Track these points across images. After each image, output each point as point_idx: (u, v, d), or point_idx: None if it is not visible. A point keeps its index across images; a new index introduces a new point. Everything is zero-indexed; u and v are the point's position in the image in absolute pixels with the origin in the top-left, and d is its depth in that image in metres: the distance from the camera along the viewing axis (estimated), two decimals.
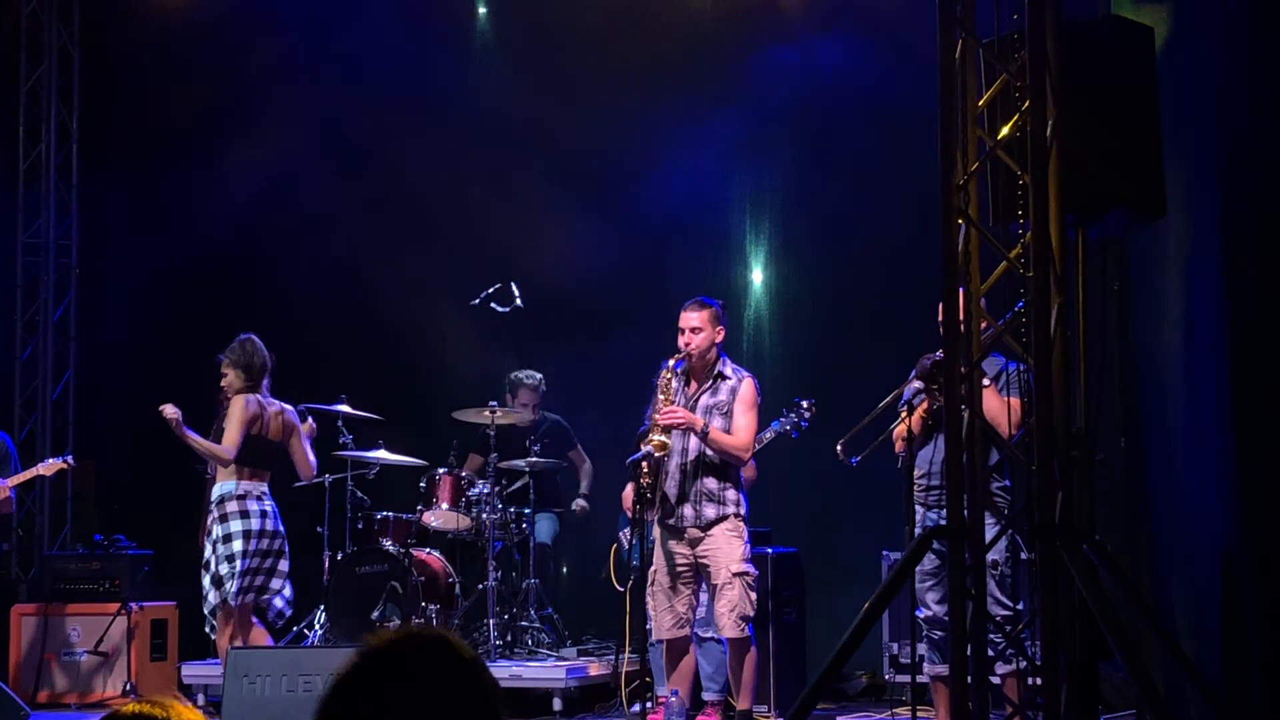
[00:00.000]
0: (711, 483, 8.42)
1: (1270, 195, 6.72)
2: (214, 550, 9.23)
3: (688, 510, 8.41)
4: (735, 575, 8.32)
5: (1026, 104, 6.01)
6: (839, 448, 8.33)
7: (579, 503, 11.47)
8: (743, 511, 8.44)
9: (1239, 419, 7.05)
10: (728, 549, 8.35)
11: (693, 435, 8.44)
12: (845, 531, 11.13)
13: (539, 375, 11.51)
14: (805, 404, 9.38)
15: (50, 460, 10.99)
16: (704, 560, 8.40)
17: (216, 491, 9.34)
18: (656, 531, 8.50)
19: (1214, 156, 7.34)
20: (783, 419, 9.44)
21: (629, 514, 9.86)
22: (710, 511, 8.39)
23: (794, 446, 9.74)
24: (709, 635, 9.05)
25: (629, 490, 9.72)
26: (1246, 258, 6.90)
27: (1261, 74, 6.82)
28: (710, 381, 8.54)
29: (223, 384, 9.43)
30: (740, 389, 8.54)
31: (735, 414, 8.49)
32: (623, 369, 10.89)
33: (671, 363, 8.53)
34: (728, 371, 8.59)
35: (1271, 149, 6.71)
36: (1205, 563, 7.59)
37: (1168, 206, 6.60)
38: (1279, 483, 6.72)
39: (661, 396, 8.46)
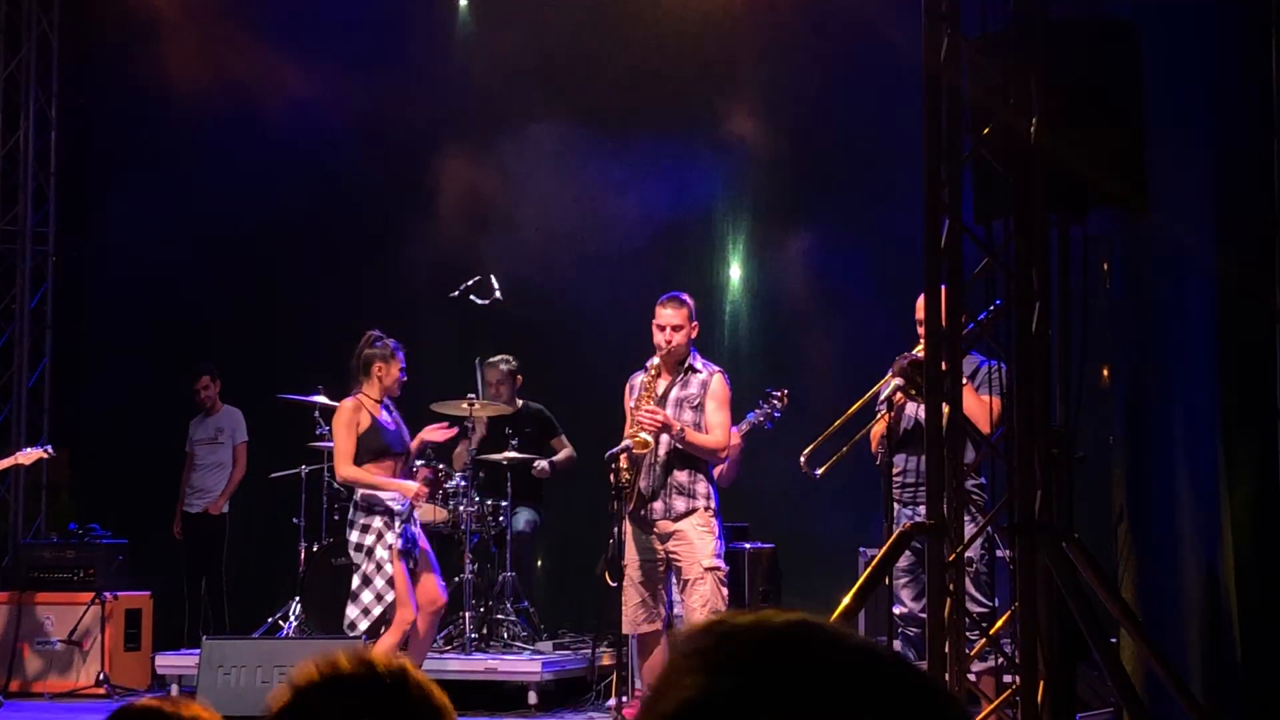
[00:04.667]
0: (682, 476, 8.40)
1: (1261, 198, 6.72)
2: (356, 555, 9.11)
3: (658, 504, 8.39)
4: (707, 570, 8.30)
5: (1011, 101, 6.01)
6: (802, 459, 8.32)
7: (541, 463, 11.27)
8: (713, 505, 8.42)
9: (1229, 422, 7.06)
10: (699, 544, 8.32)
11: (665, 432, 8.41)
12: (823, 527, 11.12)
13: (508, 358, 11.42)
14: (777, 394, 9.37)
15: (29, 449, 10.96)
16: (675, 556, 8.38)
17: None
18: (629, 526, 8.48)
19: (1207, 157, 7.35)
20: (757, 411, 9.43)
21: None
22: (680, 504, 8.37)
23: (772, 442, 9.73)
24: None
25: None
26: (1237, 260, 6.91)
27: (1253, 75, 6.83)
28: (681, 375, 8.53)
29: (388, 384, 9.27)
30: (712, 385, 8.51)
31: (709, 411, 8.45)
32: (601, 363, 10.87)
33: (656, 362, 8.50)
34: (698, 365, 8.57)
35: (1263, 151, 6.72)
36: (1191, 564, 7.61)
37: (1160, 206, 6.60)
38: (1266, 489, 6.73)
39: (644, 393, 8.44)
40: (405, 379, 9.37)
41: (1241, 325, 6.95)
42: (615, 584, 9.12)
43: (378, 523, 9.00)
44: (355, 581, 8.98)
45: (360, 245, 13.02)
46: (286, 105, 12.91)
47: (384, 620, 8.97)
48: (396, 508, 9.11)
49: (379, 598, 8.93)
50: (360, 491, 9.12)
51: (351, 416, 9.13)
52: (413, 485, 9.26)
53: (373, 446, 9.17)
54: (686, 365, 8.55)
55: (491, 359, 11.43)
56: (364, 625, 8.92)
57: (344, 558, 10.46)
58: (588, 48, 12.54)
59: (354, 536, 9.04)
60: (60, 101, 13.26)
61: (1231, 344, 7.10)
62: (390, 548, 8.97)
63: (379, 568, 8.96)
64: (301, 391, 11.14)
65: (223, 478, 12.44)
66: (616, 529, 8.48)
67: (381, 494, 9.07)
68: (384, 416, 9.24)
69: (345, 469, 9.14)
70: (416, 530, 9.25)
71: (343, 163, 13.08)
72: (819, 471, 8.32)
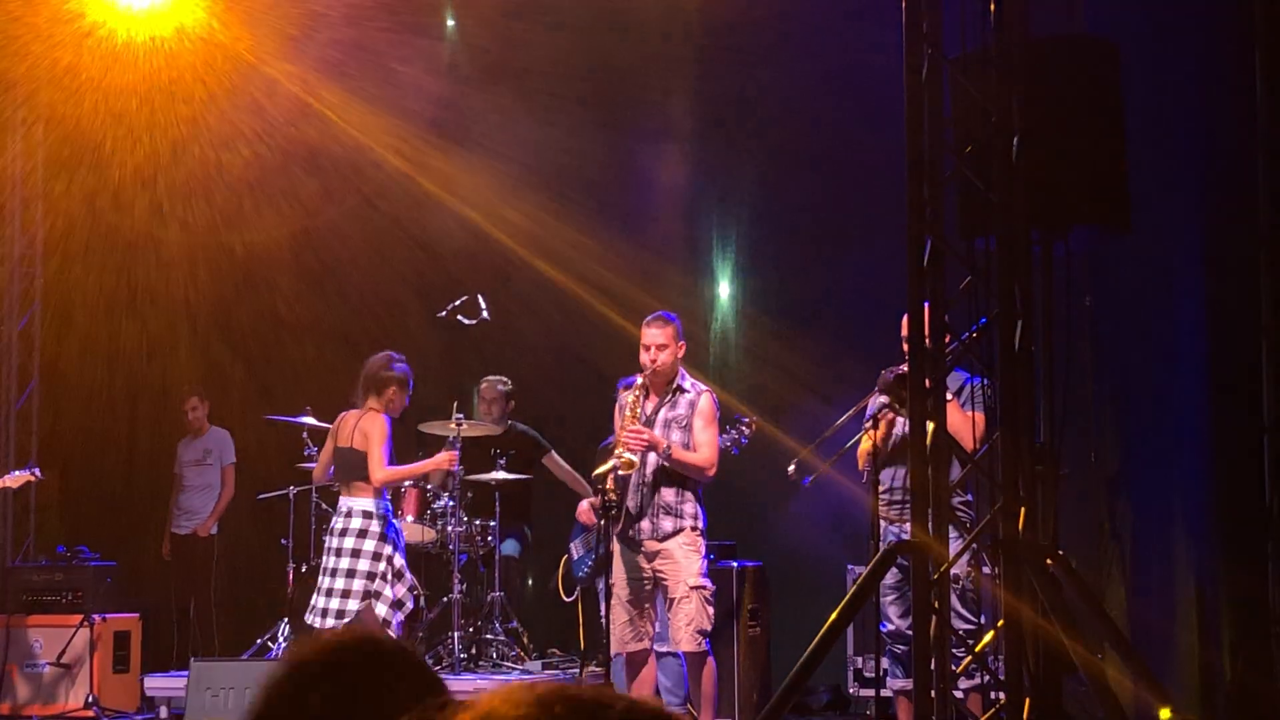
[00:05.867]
0: (669, 496, 8.40)
1: (1252, 220, 6.75)
2: (375, 564, 9.16)
3: (645, 523, 8.39)
4: (693, 589, 8.30)
5: (992, 120, 6.04)
6: (791, 468, 8.35)
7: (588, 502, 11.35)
8: (700, 525, 8.42)
9: (1217, 439, 7.08)
10: (685, 563, 8.33)
11: (652, 451, 8.41)
12: (811, 545, 11.13)
13: (503, 379, 11.44)
14: (745, 421, 9.38)
15: (16, 472, 10.92)
16: (661, 575, 8.39)
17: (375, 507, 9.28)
18: (616, 545, 8.49)
19: (1191, 175, 7.37)
20: (724, 435, 9.45)
21: (583, 525, 9.89)
22: (667, 524, 8.37)
23: (760, 460, 9.74)
24: (665, 649, 9.04)
25: (585, 504, 9.72)
26: (1224, 277, 6.93)
27: (1238, 93, 6.86)
28: (670, 396, 8.53)
29: (395, 410, 9.41)
30: (700, 404, 8.51)
31: (696, 429, 8.45)
32: (589, 381, 10.88)
33: (640, 381, 8.50)
34: (686, 385, 8.57)
35: (1248, 169, 6.75)
36: (1180, 579, 7.62)
37: (1143, 224, 6.62)
38: (1254, 505, 6.75)
39: (629, 414, 8.44)
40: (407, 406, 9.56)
41: (1229, 341, 6.98)
42: (568, 599, 9.18)
43: (392, 533, 9.15)
44: (388, 590, 9.08)
45: (347, 264, 13.02)
46: (272, 122, 12.91)
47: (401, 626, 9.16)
48: (397, 524, 9.38)
49: (400, 604, 9.07)
50: (374, 504, 9.15)
51: (388, 430, 9.26)
52: (444, 457, 9.70)
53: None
54: (675, 385, 8.55)
55: (487, 379, 11.45)
56: (395, 623, 9.09)
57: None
58: (578, 72, 12.57)
59: (370, 545, 9.11)
60: (48, 123, 13.23)
61: (1220, 360, 7.12)
62: (403, 556, 9.21)
63: (399, 576, 9.10)
64: (289, 413, 11.14)
65: (211, 499, 12.43)
66: (581, 545, 8.48)
67: (385, 505, 9.21)
68: None
69: (383, 472, 9.19)
70: None
71: (331, 178, 13.08)
72: (808, 480, 8.34)
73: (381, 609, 9.13)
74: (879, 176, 9.75)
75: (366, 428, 9.20)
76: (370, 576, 9.07)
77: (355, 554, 9.12)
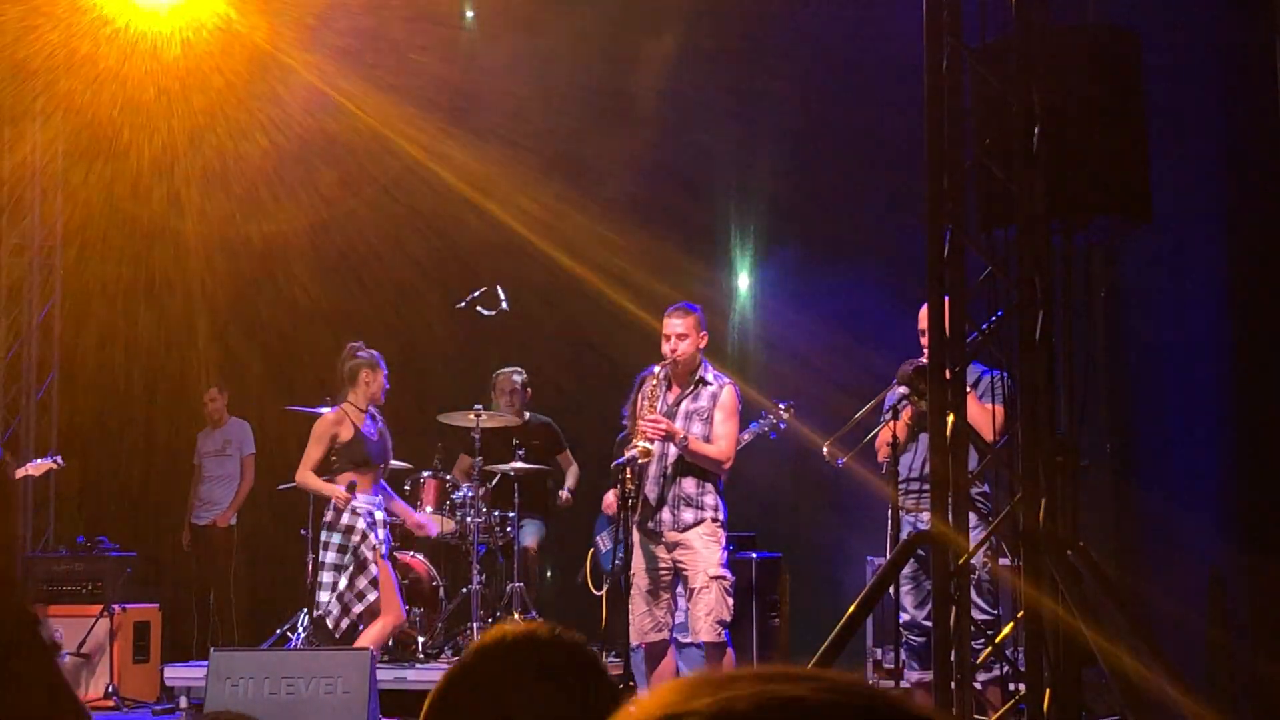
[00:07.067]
0: (690, 487, 8.39)
1: (1273, 209, 6.72)
2: (331, 555, 9.43)
3: (665, 514, 8.39)
4: (712, 579, 8.29)
5: (1012, 110, 6.02)
6: (825, 449, 8.34)
7: (563, 493, 11.45)
8: (720, 517, 8.42)
9: (1236, 429, 7.05)
10: (705, 554, 8.32)
11: (670, 440, 8.41)
12: (830, 536, 11.11)
13: (519, 369, 11.45)
14: (783, 405, 9.38)
15: (39, 460, 10.96)
16: (681, 565, 8.38)
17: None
18: (636, 535, 8.48)
19: (1220, 168, 7.34)
20: (761, 420, 9.45)
21: (609, 517, 9.88)
22: (688, 516, 8.36)
23: (779, 451, 9.72)
24: (688, 640, 9.03)
25: (611, 495, 9.72)
26: (1251, 271, 6.91)
27: (1260, 82, 6.83)
28: (692, 387, 8.52)
29: (374, 391, 9.64)
30: (722, 396, 8.50)
31: (716, 421, 8.44)
32: (608, 372, 10.87)
33: (659, 370, 8.49)
34: (709, 377, 8.56)
35: (1275, 163, 6.72)
36: (1195, 570, 7.59)
37: (1161, 214, 6.60)
38: (1274, 495, 6.73)
39: (646, 403, 8.43)
40: (389, 388, 9.69)
41: (1250, 332, 6.95)
42: (598, 592, 9.19)
43: (361, 524, 9.30)
44: (342, 581, 9.33)
45: (365, 255, 13.02)
46: (290, 112, 12.91)
47: (360, 619, 9.32)
48: (380, 515, 9.50)
49: (360, 596, 9.23)
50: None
51: (328, 429, 9.56)
52: (339, 489, 9.45)
53: (356, 456, 9.53)
54: (698, 377, 8.54)
55: (503, 370, 11.44)
56: (345, 624, 9.30)
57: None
58: (596, 63, 12.55)
59: (336, 538, 9.38)
60: (66, 111, 13.24)
61: (1241, 350, 7.10)
62: (374, 549, 9.31)
63: (363, 567, 9.22)
64: (308, 404, 11.14)
65: (231, 490, 12.45)
66: (610, 537, 8.46)
67: (360, 499, 9.39)
68: (368, 426, 9.54)
69: (303, 475, 9.56)
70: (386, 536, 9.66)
71: (349, 167, 13.08)
72: (842, 462, 8.35)
73: (334, 606, 9.32)
74: (898, 167, 9.72)
75: (315, 425, 9.50)
76: (335, 569, 9.29)
77: (325, 546, 9.45)
